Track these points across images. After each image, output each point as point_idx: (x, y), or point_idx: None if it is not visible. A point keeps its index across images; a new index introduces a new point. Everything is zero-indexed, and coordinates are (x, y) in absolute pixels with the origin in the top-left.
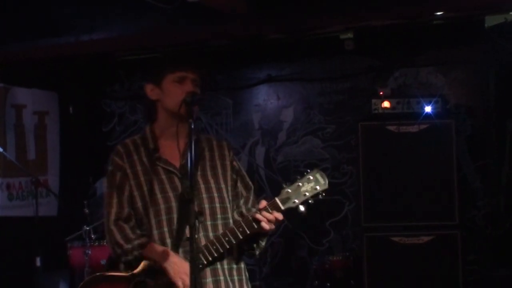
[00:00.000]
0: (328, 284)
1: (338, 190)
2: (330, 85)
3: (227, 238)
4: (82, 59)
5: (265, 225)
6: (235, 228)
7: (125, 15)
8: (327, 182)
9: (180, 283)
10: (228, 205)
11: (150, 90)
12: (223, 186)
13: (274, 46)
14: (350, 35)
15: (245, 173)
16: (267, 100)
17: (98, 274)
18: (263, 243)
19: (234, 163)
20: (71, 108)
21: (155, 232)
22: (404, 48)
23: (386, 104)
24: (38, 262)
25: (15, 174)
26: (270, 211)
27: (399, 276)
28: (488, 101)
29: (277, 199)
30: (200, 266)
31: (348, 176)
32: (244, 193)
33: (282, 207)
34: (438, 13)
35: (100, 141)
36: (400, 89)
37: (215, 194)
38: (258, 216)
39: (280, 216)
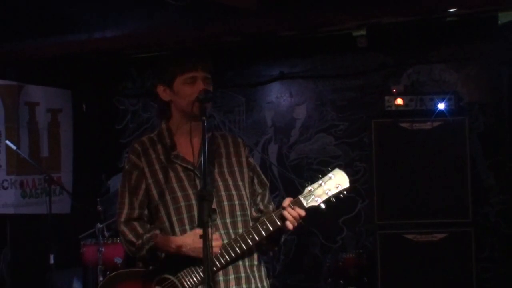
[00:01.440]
0: (341, 282)
1: (351, 187)
2: (343, 82)
3: (250, 236)
4: (94, 56)
5: (289, 224)
6: (259, 226)
7: (137, 13)
8: (348, 180)
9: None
10: (246, 202)
11: (163, 91)
12: (240, 183)
13: (286, 43)
14: (362, 32)
15: (260, 170)
16: (280, 97)
17: (119, 271)
18: (281, 241)
19: (250, 160)
20: (84, 106)
21: (177, 230)
22: (417, 45)
23: (399, 101)
24: (51, 259)
25: (28, 172)
26: (293, 208)
27: (413, 273)
28: (501, 98)
29: (300, 197)
30: (224, 263)
31: (361, 173)
32: (260, 190)
33: (306, 205)
34: (451, 10)
35: (113, 138)
36: (413, 86)
37: (233, 192)
38: (285, 213)
39: (302, 213)
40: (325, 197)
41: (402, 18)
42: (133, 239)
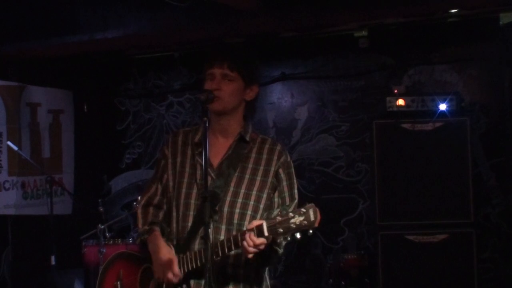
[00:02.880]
0: (343, 283)
1: (353, 188)
2: (344, 83)
3: (216, 250)
4: (96, 57)
5: (245, 247)
6: (225, 243)
7: (138, 13)
8: (317, 220)
9: (155, 275)
10: (248, 213)
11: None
12: (254, 192)
13: (288, 44)
14: (364, 33)
15: (293, 183)
16: (281, 98)
17: (124, 251)
18: (273, 260)
19: (281, 170)
20: (85, 107)
21: (173, 226)
22: (419, 46)
23: (400, 102)
24: (53, 260)
25: (30, 173)
26: (251, 235)
27: (414, 274)
28: (502, 98)
29: (264, 224)
30: (189, 269)
31: (363, 174)
32: (287, 203)
33: (266, 233)
34: (453, 11)
35: (115, 139)
36: (414, 87)
37: (239, 200)
38: (245, 237)
39: (258, 241)
40: (288, 230)
41: (404, 19)
42: (140, 224)
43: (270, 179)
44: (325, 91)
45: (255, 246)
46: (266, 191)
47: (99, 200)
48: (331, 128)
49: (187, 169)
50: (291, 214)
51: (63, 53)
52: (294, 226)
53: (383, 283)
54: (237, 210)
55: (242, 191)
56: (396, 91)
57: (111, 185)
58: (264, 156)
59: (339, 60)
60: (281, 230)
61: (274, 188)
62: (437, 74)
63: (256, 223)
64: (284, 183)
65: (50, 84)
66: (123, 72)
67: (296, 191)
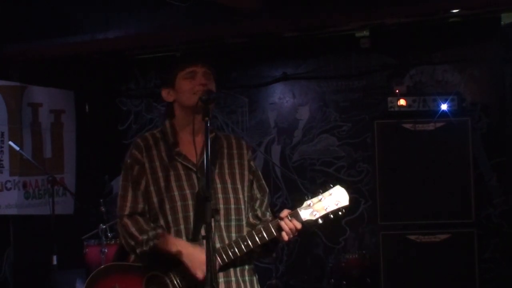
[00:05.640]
0: (344, 282)
1: (354, 188)
2: (346, 83)
3: (245, 243)
4: (97, 57)
5: (284, 235)
6: (255, 234)
7: (140, 13)
8: (348, 199)
9: (199, 274)
10: (242, 207)
11: (167, 94)
12: (239, 186)
13: (289, 44)
14: (366, 33)
15: (260, 175)
16: (283, 98)
17: (112, 263)
18: (274, 253)
19: (252, 163)
20: (87, 107)
21: (173, 230)
22: (420, 46)
23: (402, 102)
24: (54, 260)
25: (31, 173)
26: (290, 220)
27: (416, 274)
28: (504, 98)
29: (298, 210)
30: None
31: (364, 174)
32: (258, 195)
33: (303, 219)
34: (454, 11)
35: (116, 139)
36: (416, 87)
37: (231, 195)
38: (282, 224)
39: (299, 226)
40: (323, 213)
41: (405, 19)
42: (136, 233)
43: (246, 171)
44: (326, 91)
45: (296, 230)
46: (246, 183)
47: (101, 200)
48: (332, 128)
49: (171, 172)
50: (321, 198)
51: (64, 53)
52: (328, 208)
53: (384, 283)
54: (232, 206)
55: (229, 186)
56: (397, 91)
57: (113, 185)
58: (235, 151)
59: (340, 60)
60: (316, 213)
61: (250, 181)
62: (439, 74)
63: (287, 211)
64: (256, 174)
65: (51, 84)
66: (125, 72)
67: (263, 181)
